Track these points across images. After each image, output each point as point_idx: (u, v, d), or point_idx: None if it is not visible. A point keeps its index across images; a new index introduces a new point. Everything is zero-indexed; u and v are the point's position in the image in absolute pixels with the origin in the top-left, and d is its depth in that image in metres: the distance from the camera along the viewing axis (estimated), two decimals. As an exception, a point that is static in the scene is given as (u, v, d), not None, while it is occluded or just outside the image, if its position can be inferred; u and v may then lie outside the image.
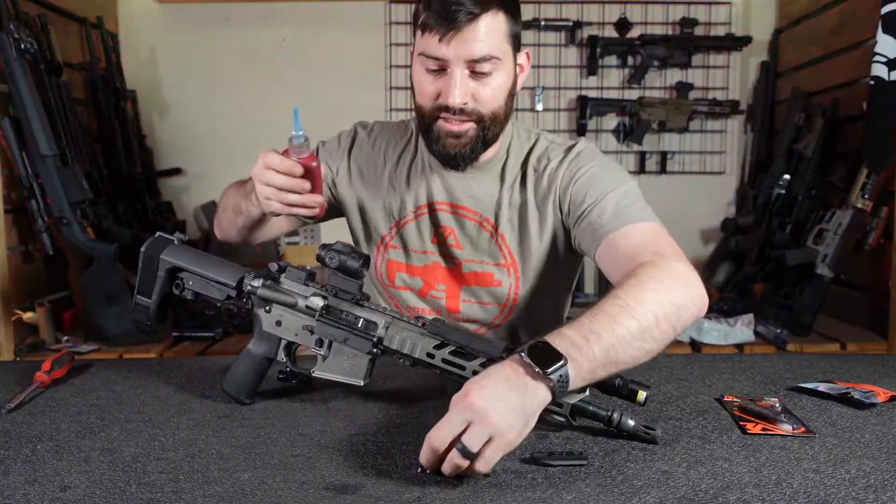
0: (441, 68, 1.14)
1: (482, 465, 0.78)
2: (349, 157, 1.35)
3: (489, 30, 1.11)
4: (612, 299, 0.93)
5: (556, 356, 0.83)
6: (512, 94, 1.21)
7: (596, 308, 0.92)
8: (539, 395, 0.82)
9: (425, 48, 1.13)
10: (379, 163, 1.33)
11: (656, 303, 0.93)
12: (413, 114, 1.31)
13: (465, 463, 0.77)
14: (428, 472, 0.80)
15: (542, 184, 1.25)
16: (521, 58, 1.22)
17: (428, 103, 1.17)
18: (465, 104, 1.14)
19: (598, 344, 0.87)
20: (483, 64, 1.12)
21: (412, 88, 1.21)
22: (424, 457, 0.79)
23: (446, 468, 0.78)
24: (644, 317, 0.91)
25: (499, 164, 1.28)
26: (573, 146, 1.27)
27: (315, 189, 1.09)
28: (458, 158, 1.20)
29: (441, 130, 1.17)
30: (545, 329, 0.89)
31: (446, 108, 1.15)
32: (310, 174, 1.08)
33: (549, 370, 0.82)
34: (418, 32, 1.15)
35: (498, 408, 0.78)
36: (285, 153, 1.07)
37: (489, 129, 1.18)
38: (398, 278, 1.33)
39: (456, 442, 0.77)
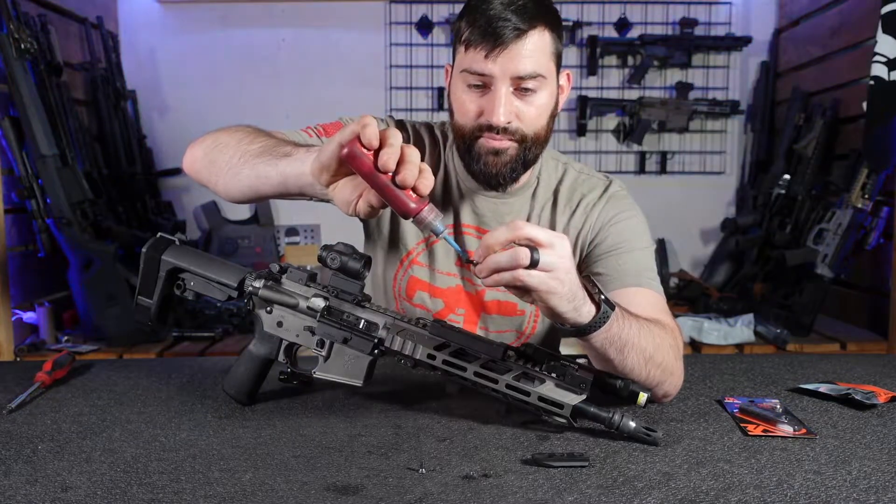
0: (485, 85, 1.11)
1: (537, 280, 0.85)
2: None
3: (536, 47, 1.09)
4: (644, 320, 1.02)
5: (610, 303, 0.95)
6: (553, 116, 1.18)
7: (635, 313, 1.01)
8: (586, 307, 0.92)
9: (469, 64, 1.10)
10: None
11: (665, 354, 1.02)
12: (441, 122, 1.30)
13: (527, 261, 0.84)
14: (425, 470, 0.80)
15: (576, 218, 1.25)
16: (563, 78, 1.20)
17: (469, 122, 1.14)
18: (508, 123, 1.11)
19: (626, 330, 0.96)
20: (529, 81, 1.10)
21: (450, 110, 1.18)
22: (493, 237, 0.86)
23: (504, 257, 0.85)
24: (656, 351, 1.00)
25: (529, 189, 1.26)
26: (609, 185, 1.27)
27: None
28: (498, 177, 1.16)
29: (483, 148, 1.14)
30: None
31: (489, 128, 1.11)
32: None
33: (605, 297, 0.93)
34: (460, 49, 1.12)
35: (566, 264, 0.88)
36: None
37: (530, 149, 1.15)
38: (418, 296, 1.30)
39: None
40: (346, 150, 0.86)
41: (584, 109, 3.13)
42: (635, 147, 3.20)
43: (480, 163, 1.15)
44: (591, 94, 3.15)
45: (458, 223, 1.27)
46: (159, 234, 1.10)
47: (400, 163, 0.85)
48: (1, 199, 2.05)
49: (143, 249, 1.08)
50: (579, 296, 0.91)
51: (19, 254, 2.18)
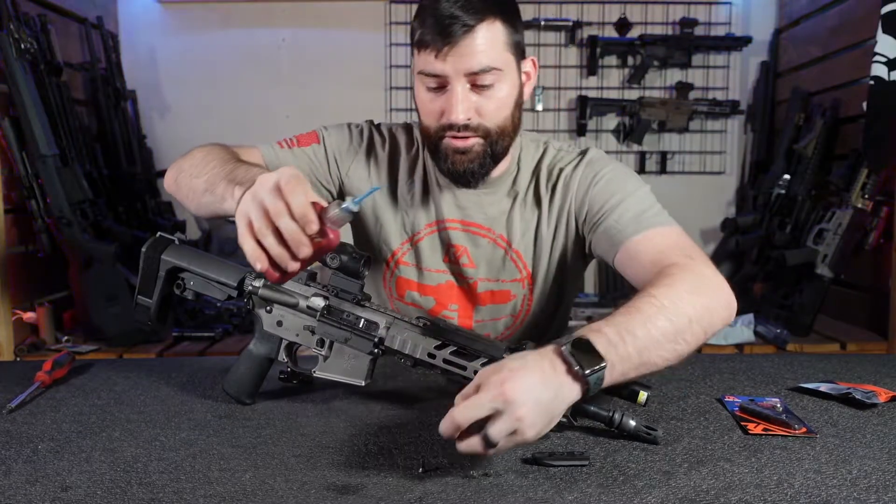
0: (441, 85, 1.10)
1: (492, 452, 0.77)
2: (367, 163, 1.28)
3: (487, 40, 1.08)
4: (647, 298, 0.91)
5: (598, 358, 0.82)
6: (519, 105, 1.17)
7: (631, 306, 0.91)
8: (570, 397, 0.81)
9: (423, 66, 1.10)
10: (392, 174, 1.29)
11: (690, 305, 0.92)
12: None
13: (482, 450, 0.76)
14: (425, 470, 0.80)
15: (557, 194, 1.23)
16: (527, 65, 1.18)
17: (433, 123, 1.14)
18: (468, 120, 1.11)
19: (633, 345, 0.85)
20: (483, 76, 1.09)
21: (416, 109, 1.18)
22: (445, 428, 0.77)
23: (463, 447, 0.77)
24: (678, 318, 0.90)
25: (510, 177, 1.25)
26: (584, 153, 1.24)
27: (306, 262, 0.86)
28: (467, 175, 1.16)
29: (448, 148, 1.14)
30: (551, 337, 0.89)
31: (451, 126, 1.11)
32: (318, 249, 0.85)
33: (589, 371, 0.80)
34: (415, 51, 1.12)
35: (529, 405, 0.76)
36: (316, 205, 0.84)
37: (497, 143, 1.14)
38: (408, 295, 1.30)
39: (479, 423, 0.76)
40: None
41: (584, 109, 3.13)
42: (635, 147, 3.20)
43: (448, 162, 1.15)
44: (591, 94, 3.15)
45: (442, 218, 1.26)
46: (159, 233, 1.10)
47: (290, 246, 0.82)
48: (1, 199, 2.05)
49: (143, 249, 1.08)
50: (557, 407, 0.80)
51: (19, 254, 2.18)
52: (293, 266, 0.84)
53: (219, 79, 3.15)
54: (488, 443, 0.75)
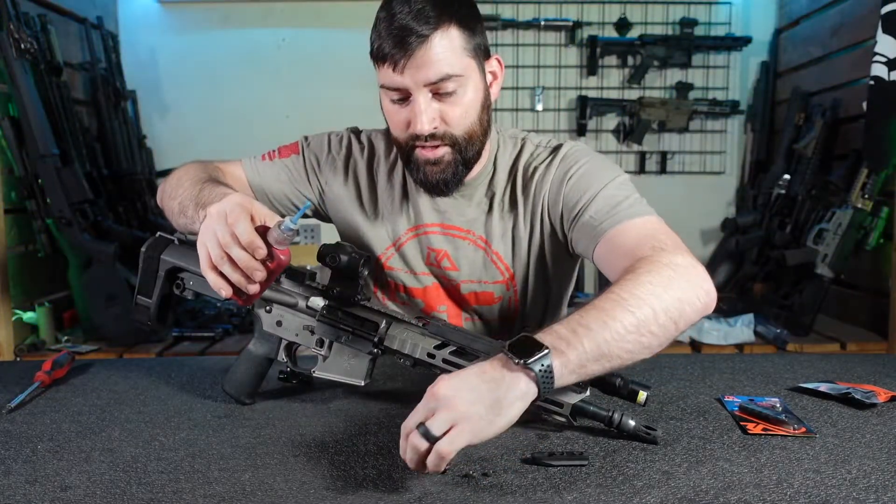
0: (404, 97, 1.10)
1: (445, 445, 0.76)
2: (346, 173, 1.29)
3: (444, 48, 1.06)
4: (605, 294, 0.90)
5: (538, 347, 0.81)
6: (486, 107, 1.15)
7: (588, 304, 0.89)
8: (518, 387, 0.80)
9: (384, 80, 1.10)
10: (371, 181, 1.29)
11: (653, 296, 0.89)
12: None
13: (424, 444, 0.76)
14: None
15: (531, 192, 1.21)
16: (492, 65, 1.17)
17: (401, 134, 1.14)
18: (434, 129, 1.10)
19: (587, 337, 0.84)
20: (444, 84, 1.07)
21: (386, 121, 1.18)
22: (402, 449, 0.79)
23: (407, 453, 0.78)
24: (639, 309, 0.88)
25: (486, 178, 1.23)
26: (558, 147, 1.21)
27: (265, 284, 0.93)
28: (441, 185, 1.15)
29: (419, 159, 1.13)
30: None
31: (418, 137, 1.11)
32: (271, 270, 0.91)
33: (530, 360, 0.80)
34: (376, 65, 1.11)
35: (463, 395, 0.78)
36: (260, 228, 0.90)
37: (466, 149, 1.13)
38: (398, 297, 1.31)
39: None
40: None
41: (584, 109, 3.13)
42: (635, 147, 3.20)
43: (421, 173, 1.15)
44: (591, 94, 3.15)
45: (422, 223, 1.26)
46: (159, 233, 1.10)
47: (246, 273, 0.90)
48: (1, 199, 2.05)
49: (143, 249, 1.08)
50: (501, 396, 0.80)
51: (19, 254, 2.18)
52: (253, 289, 0.92)
53: (219, 79, 3.15)
54: (428, 435, 0.76)
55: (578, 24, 3.12)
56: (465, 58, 1.09)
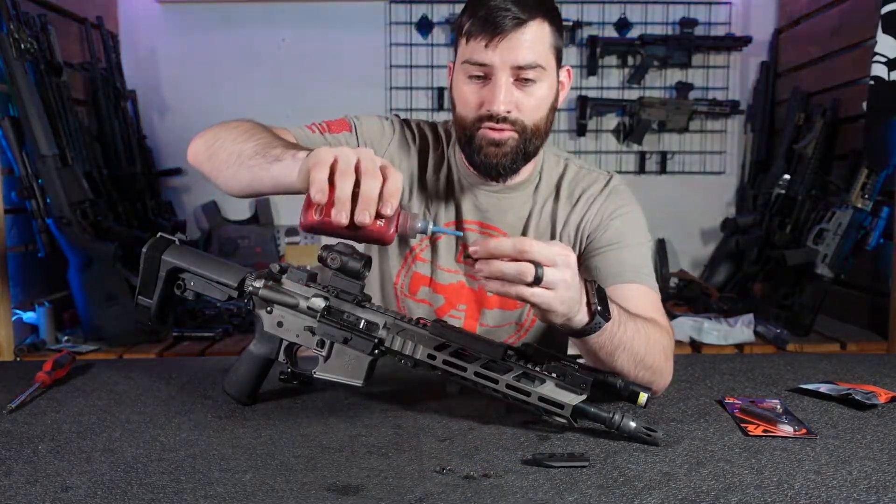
0: (486, 76, 1.13)
1: (539, 291, 0.86)
2: (400, 151, 1.29)
3: (535, 37, 1.11)
4: (643, 319, 1.04)
5: (607, 314, 0.95)
6: (553, 109, 1.20)
7: (632, 312, 1.03)
8: (579, 312, 0.92)
9: (470, 55, 1.12)
10: (422, 170, 1.29)
11: (657, 356, 1.03)
12: (444, 121, 1.32)
13: (529, 279, 0.85)
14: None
15: (577, 208, 1.26)
16: (563, 74, 1.22)
17: (471, 113, 1.15)
18: (508, 112, 1.13)
19: (621, 332, 0.97)
20: (528, 71, 1.11)
21: (452, 104, 1.20)
22: (498, 247, 0.86)
23: (509, 269, 0.86)
24: (647, 355, 1.01)
25: (532, 185, 1.27)
26: (610, 179, 1.28)
27: (352, 228, 0.86)
28: (499, 168, 1.17)
29: (483, 139, 1.15)
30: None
31: (489, 117, 1.13)
32: (374, 226, 0.86)
33: (601, 308, 0.93)
34: (462, 41, 1.14)
35: (576, 282, 0.90)
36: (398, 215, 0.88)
37: (530, 140, 1.16)
38: (421, 291, 1.30)
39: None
40: (302, 223, 0.88)
41: (584, 109, 3.13)
42: (635, 147, 3.20)
43: (481, 154, 1.17)
44: (591, 94, 3.15)
45: (461, 219, 1.27)
46: (159, 233, 1.10)
47: (355, 204, 0.84)
48: (1, 199, 2.05)
49: (144, 249, 1.08)
50: (574, 308, 0.91)
51: (19, 254, 2.18)
52: (340, 219, 0.84)
53: (219, 79, 3.15)
54: (536, 278, 0.85)
55: (578, 24, 3.12)
56: (550, 54, 1.14)
